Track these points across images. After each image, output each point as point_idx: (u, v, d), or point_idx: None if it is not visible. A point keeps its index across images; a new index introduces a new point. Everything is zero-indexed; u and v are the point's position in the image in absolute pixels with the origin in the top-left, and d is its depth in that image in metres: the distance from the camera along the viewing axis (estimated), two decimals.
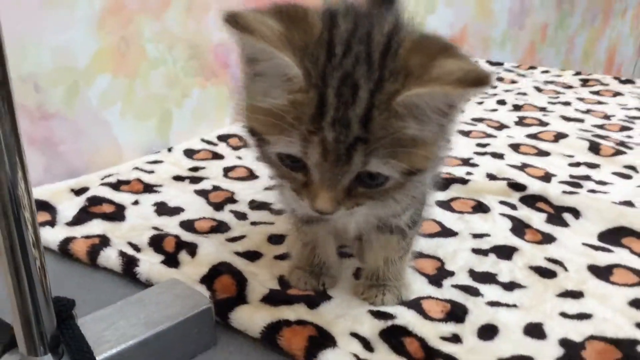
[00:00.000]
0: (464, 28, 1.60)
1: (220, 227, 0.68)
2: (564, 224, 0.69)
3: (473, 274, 0.60)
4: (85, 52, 0.77)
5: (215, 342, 0.52)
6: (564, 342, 0.50)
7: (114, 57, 0.81)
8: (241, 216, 0.71)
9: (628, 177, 0.82)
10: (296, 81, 0.39)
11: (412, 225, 0.54)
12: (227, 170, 0.83)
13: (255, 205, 0.74)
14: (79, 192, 0.75)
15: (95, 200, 0.72)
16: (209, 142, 0.92)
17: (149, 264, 0.60)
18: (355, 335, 0.50)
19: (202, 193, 0.76)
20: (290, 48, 0.38)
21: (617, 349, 0.49)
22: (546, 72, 1.37)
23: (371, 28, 0.41)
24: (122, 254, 0.61)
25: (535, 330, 0.52)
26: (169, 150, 0.89)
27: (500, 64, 1.43)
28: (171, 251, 0.63)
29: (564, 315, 0.54)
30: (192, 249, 0.62)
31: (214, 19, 0.92)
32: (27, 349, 0.44)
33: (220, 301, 0.54)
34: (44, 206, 0.71)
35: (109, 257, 0.61)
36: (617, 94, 1.20)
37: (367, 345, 0.50)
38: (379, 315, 0.53)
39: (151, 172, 0.82)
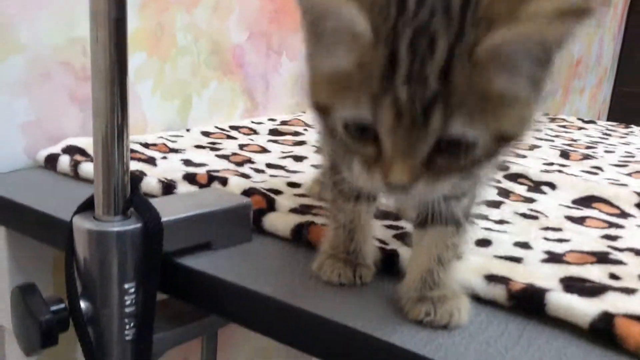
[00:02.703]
0: None
1: (243, 176, 0.76)
2: (543, 193, 0.80)
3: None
4: (128, 27, 0.87)
5: (250, 238, 0.59)
6: (548, 252, 0.59)
7: (150, 38, 0.91)
8: (260, 171, 0.80)
9: (595, 174, 0.94)
10: (362, 38, 0.35)
11: (467, 216, 0.49)
12: (241, 146, 0.92)
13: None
14: None
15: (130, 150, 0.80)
16: (222, 129, 1.02)
17: (187, 188, 0.68)
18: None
19: (223, 156, 0.85)
20: (358, 2, 0.34)
21: (593, 256, 0.59)
22: None
23: None
24: (162, 180, 0.69)
25: (523, 245, 0.61)
26: (187, 130, 0.98)
27: None
28: (204, 183, 0.70)
29: (546, 239, 0.63)
30: (223, 181, 0.70)
31: (235, 21, 1.03)
32: (103, 209, 0.51)
33: (254, 212, 0.62)
34: (83, 152, 0.78)
35: (149, 183, 0.69)
36: (581, 128, 1.35)
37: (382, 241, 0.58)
38: (391, 227, 0.62)
39: (174, 141, 0.90)
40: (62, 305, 0.50)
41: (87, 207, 0.52)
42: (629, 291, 0.50)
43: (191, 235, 0.55)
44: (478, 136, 0.35)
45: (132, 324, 0.52)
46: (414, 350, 0.43)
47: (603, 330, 0.44)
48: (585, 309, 0.46)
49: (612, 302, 0.47)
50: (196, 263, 0.54)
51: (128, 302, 0.51)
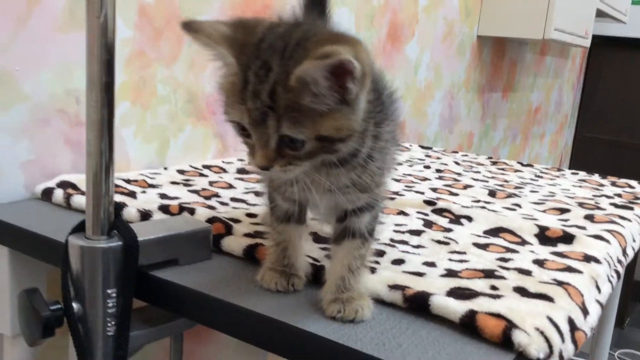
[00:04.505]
0: (402, 123, 1.93)
1: (210, 208, 0.91)
2: (460, 224, 0.95)
3: (392, 240, 0.85)
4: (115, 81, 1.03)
5: (210, 257, 0.74)
6: (448, 269, 0.75)
7: (133, 90, 1.07)
8: (225, 204, 0.95)
9: (514, 209, 1.10)
10: (231, 67, 0.52)
11: (370, 232, 0.64)
12: (211, 183, 1.07)
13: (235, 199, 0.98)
14: None
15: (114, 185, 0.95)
16: (195, 168, 1.17)
17: (161, 217, 0.83)
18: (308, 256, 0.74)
19: (194, 191, 1.00)
20: (227, 44, 0.52)
21: (482, 273, 0.74)
22: (465, 155, 1.69)
23: (296, 28, 0.53)
24: (140, 210, 0.84)
25: (430, 264, 0.76)
26: (165, 168, 1.13)
27: (430, 148, 1.75)
28: (176, 212, 0.85)
29: (450, 260, 0.78)
30: (191, 211, 0.85)
31: (208, 75, 1.20)
32: (93, 230, 0.65)
33: (215, 235, 0.76)
34: (74, 187, 0.93)
35: (130, 212, 0.83)
36: (517, 170, 1.52)
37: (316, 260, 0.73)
38: (325, 249, 0.77)
39: (153, 178, 1.05)
40: (58, 306, 0.63)
41: (78, 229, 0.67)
42: (495, 297, 0.65)
43: (161, 253, 0.69)
44: (302, 137, 0.51)
45: (113, 322, 0.65)
46: (327, 336, 0.58)
47: (468, 323, 0.60)
48: (457, 308, 0.61)
49: (479, 304, 0.62)
50: (165, 275, 0.68)
51: (110, 304, 0.65)
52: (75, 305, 0.64)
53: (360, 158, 0.58)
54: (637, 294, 3.90)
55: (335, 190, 0.59)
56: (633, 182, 1.46)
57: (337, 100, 0.51)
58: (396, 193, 1.13)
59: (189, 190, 1.00)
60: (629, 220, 1.07)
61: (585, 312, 0.69)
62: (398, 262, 0.76)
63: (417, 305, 0.63)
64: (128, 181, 1.00)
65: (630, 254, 0.97)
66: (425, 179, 1.29)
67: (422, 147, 1.76)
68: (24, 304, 0.63)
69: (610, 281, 0.82)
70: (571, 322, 0.64)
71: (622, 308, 2.98)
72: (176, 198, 0.95)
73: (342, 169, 0.57)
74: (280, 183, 0.63)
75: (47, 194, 0.91)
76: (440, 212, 1.00)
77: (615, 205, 1.18)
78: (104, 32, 0.62)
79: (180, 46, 1.13)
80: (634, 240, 1.02)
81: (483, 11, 2.21)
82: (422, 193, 1.15)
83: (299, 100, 0.50)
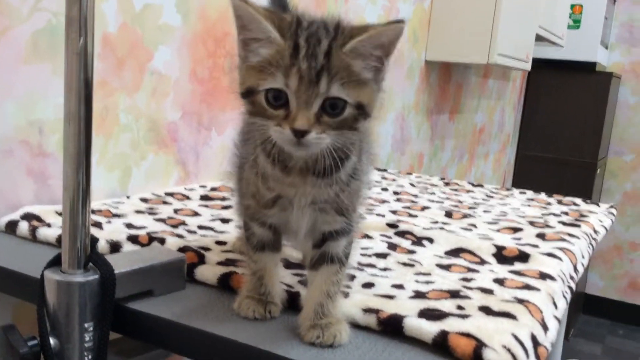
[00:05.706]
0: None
1: (178, 236, 0.92)
2: (423, 246, 0.99)
3: (360, 264, 0.87)
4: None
5: (184, 287, 0.75)
6: (416, 291, 0.78)
7: (96, 119, 1.06)
8: (193, 232, 0.95)
9: (470, 230, 1.14)
10: (275, 41, 0.57)
11: (346, 257, 0.68)
12: (176, 211, 1.08)
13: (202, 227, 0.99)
14: (61, 214, 0.96)
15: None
16: (158, 196, 1.17)
17: (131, 247, 0.83)
18: (281, 282, 0.75)
19: (160, 220, 1.00)
20: (269, 20, 0.58)
21: (448, 293, 0.77)
22: (419, 177, 1.74)
23: (325, 19, 0.60)
24: (109, 241, 0.84)
25: (398, 286, 0.79)
26: (127, 197, 1.13)
27: (385, 170, 1.79)
28: (145, 242, 0.85)
29: (417, 281, 0.82)
30: (161, 241, 0.86)
31: (170, 102, 1.20)
32: (68, 264, 0.65)
33: (188, 265, 0.77)
34: (39, 219, 0.92)
35: (99, 244, 0.83)
36: (469, 191, 1.58)
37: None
38: (297, 275, 0.79)
39: (116, 207, 1.05)
40: (35, 341, 0.63)
41: (54, 263, 0.67)
42: (463, 317, 0.68)
43: (137, 285, 0.70)
44: (347, 99, 0.57)
45: (89, 357, 0.65)
46: None
47: (441, 343, 0.63)
48: (429, 329, 0.64)
49: (449, 324, 0.66)
50: (140, 306, 0.69)
51: (87, 338, 0.65)
52: (52, 340, 0.64)
53: (344, 173, 0.62)
54: (580, 305, 4.06)
55: (317, 202, 0.63)
56: (577, 200, 1.54)
57: (373, 74, 0.59)
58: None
59: (155, 219, 1.00)
60: (577, 237, 1.13)
61: (545, 328, 0.73)
62: (368, 285, 0.78)
63: (392, 327, 0.66)
64: (92, 211, 0.99)
65: (581, 270, 1.03)
66: (384, 202, 1.33)
67: (378, 169, 1.80)
68: (0, 341, 0.63)
69: (564, 297, 0.87)
70: (534, 339, 0.68)
71: (567, 319, 3.10)
72: (143, 227, 0.95)
73: (325, 181, 0.61)
74: (257, 209, 0.66)
75: (12, 226, 0.89)
76: (402, 234, 1.04)
77: (563, 223, 1.24)
78: (83, 66, 0.63)
79: (142, 75, 1.14)
80: (583, 257, 1.08)
81: (430, 37, 2.29)
82: (383, 216, 1.19)
83: (350, 65, 0.57)
